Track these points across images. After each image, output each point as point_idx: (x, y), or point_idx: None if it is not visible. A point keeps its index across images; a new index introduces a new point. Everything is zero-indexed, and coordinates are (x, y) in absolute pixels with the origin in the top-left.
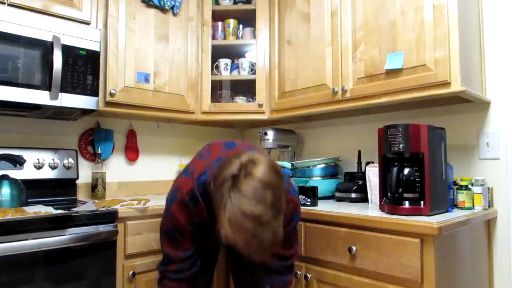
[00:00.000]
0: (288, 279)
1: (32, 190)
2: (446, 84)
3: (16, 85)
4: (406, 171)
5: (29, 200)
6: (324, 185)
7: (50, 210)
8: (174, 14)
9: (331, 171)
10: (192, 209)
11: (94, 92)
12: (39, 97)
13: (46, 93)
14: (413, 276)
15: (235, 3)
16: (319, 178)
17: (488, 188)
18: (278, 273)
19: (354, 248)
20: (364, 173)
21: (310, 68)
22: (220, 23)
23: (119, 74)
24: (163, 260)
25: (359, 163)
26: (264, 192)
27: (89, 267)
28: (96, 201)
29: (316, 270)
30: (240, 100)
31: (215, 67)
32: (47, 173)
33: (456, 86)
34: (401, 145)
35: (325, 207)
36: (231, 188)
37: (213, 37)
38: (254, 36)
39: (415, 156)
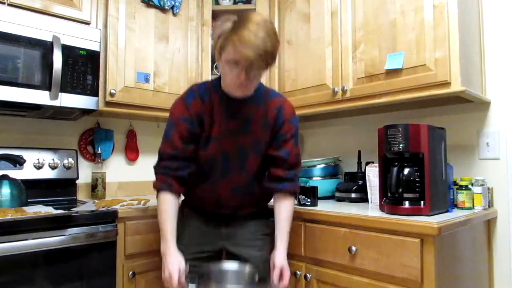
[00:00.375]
0: (297, 184)
1: (32, 190)
2: (446, 84)
3: (16, 85)
4: (406, 171)
5: (29, 200)
6: (324, 185)
7: (50, 210)
8: (174, 14)
9: (331, 171)
10: (188, 103)
11: (94, 92)
12: (39, 97)
13: (46, 93)
14: (413, 276)
15: (235, 3)
16: (319, 178)
17: (488, 188)
18: (289, 180)
19: (354, 248)
20: (364, 173)
21: (310, 68)
22: None
23: (119, 74)
24: (157, 159)
25: (359, 163)
26: (264, 23)
27: (89, 267)
28: (96, 201)
29: (316, 270)
30: None
31: (215, 67)
32: (47, 173)
33: (456, 86)
34: (401, 145)
35: (325, 207)
36: (231, 28)
37: (213, 37)
38: None
39: (415, 156)
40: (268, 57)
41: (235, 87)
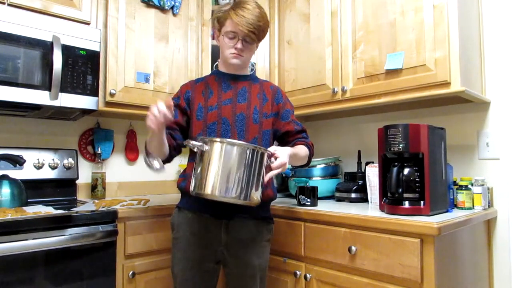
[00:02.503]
0: (309, 141)
1: (32, 190)
2: (446, 84)
3: (16, 85)
4: (406, 171)
5: (29, 200)
6: (324, 185)
7: (50, 210)
8: (174, 14)
9: (331, 171)
10: (193, 83)
11: (94, 92)
12: (39, 97)
13: (46, 93)
14: (413, 276)
15: None
16: (319, 178)
17: (488, 188)
18: (305, 138)
19: (354, 248)
20: (364, 173)
21: (310, 68)
22: None
23: (119, 74)
24: None
25: (359, 163)
26: (257, 6)
27: (89, 267)
28: (96, 201)
29: (316, 270)
30: None
31: (215, 67)
32: (47, 173)
33: (456, 86)
34: (401, 145)
35: (325, 207)
36: (231, 7)
37: (213, 37)
38: None
39: (415, 156)
40: (260, 32)
41: (232, 56)
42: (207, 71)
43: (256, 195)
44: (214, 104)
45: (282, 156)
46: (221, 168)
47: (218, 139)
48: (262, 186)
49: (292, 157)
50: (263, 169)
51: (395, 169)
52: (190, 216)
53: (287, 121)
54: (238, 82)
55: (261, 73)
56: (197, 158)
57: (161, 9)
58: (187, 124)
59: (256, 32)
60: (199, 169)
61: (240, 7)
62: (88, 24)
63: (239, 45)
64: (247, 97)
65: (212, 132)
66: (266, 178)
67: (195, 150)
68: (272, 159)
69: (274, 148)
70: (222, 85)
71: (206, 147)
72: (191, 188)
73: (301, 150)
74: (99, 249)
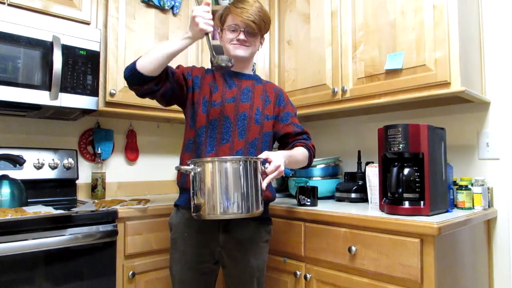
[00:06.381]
0: (311, 143)
1: (32, 190)
2: (446, 84)
3: (16, 85)
4: (406, 171)
5: (29, 200)
6: (324, 185)
7: (50, 210)
8: (174, 14)
9: (331, 171)
10: (204, 71)
11: (94, 92)
12: (39, 97)
13: (46, 93)
14: (413, 276)
15: None
16: (319, 178)
17: (488, 188)
18: (306, 139)
19: (354, 248)
20: (364, 173)
21: (310, 68)
22: None
23: (119, 74)
24: None
25: (359, 163)
26: (257, 2)
27: (89, 267)
28: (96, 201)
29: (316, 270)
30: None
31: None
32: (47, 173)
33: (456, 86)
34: (401, 145)
35: (325, 207)
36: (231, 4)
37: (213, 37)
38: None
39: (415, 156)
40: (260, 23)
41: (235, 47)
42: None
43: (257, 205)
44: (218, 100)
45: (275, 159)
46: (217, 187)
47: (208, 159)
48: (262, 194)
49: (289, 159)
50: (259, 177)
51: (395, 169)
52: (187, 216)
53: (286, 123)
54: (242, 81)
55: (261, 73)
56: (191, 182)
57: (161, 9)
58: (173, 93)
59: (257, 22)
60: (195, 192)
61: (239, 1)
62: (88, 24)
63: (241, 36)
64: (250, 97)
65: (214, 129)
66: (264, 184)
67: (186, 173)
68: (267, 164)
69: (266, 154)
70: (227, 81)
71: (198, 169)
72: (192, 211)
73: (299, 151)
74: (99, 249)
